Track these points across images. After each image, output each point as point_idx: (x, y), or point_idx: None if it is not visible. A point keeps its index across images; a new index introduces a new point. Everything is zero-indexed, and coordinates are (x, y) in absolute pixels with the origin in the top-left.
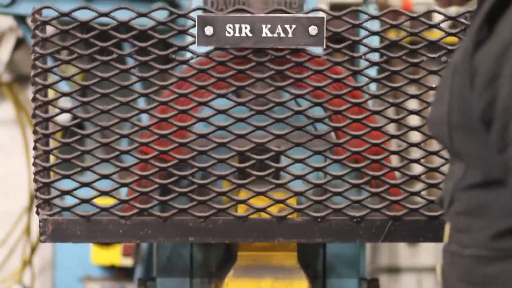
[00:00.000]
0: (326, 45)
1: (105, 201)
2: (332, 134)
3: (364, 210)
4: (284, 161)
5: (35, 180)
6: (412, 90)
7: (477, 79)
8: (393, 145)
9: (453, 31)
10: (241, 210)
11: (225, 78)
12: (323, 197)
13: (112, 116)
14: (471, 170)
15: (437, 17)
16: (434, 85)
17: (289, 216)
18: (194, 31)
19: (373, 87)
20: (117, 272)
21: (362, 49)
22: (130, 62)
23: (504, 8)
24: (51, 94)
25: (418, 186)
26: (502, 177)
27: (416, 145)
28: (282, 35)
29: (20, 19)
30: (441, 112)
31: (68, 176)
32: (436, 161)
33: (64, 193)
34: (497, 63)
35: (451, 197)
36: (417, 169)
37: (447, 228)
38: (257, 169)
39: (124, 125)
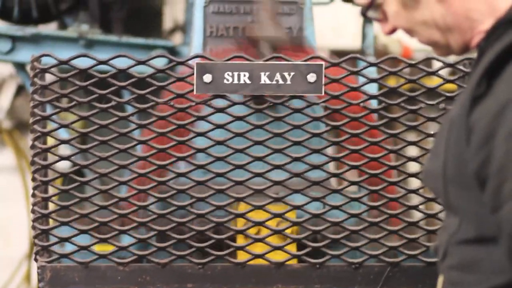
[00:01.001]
0: (324, 92)
1: (104, 248)
2: (331, 180)
3: (363, 256)
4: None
5: (34, 227)
6: (411, 137)
7: (473, 136)
8: None
9: (452, 78)
10: (240, 257)
11: (223, 125)
12: (321, 244)
13: (111, 163)
14: (464, 225)
15: (436, 64)
16: (433, 132)
17: (287, 262)
18: (193, 78)
19: None
20: None
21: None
22: (129, 109)
23: (503, 64)
24: (50, 141)
25: (417, 232)
26: (494, 234)
27: (415, 191)
28: (281, 82)
29: (20, 66)
30: (437, 166)
31: (66, 223)
32: (435, 208)
33: (63, 240)
34: (494, 122)
35: (445, 250)
36: (416, 215)
37: (440, 280)
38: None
39: (123, 172)
